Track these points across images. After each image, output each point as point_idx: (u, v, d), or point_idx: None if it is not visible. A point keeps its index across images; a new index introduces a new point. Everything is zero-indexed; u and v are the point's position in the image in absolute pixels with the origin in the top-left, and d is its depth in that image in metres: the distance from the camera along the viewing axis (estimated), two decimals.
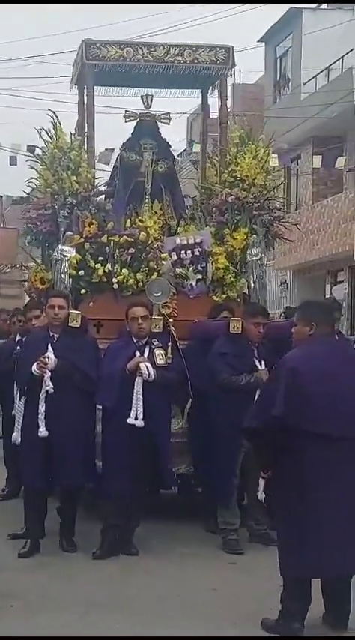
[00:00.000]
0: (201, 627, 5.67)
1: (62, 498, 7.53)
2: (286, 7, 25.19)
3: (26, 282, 10.11)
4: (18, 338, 9.11)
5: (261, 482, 6.65)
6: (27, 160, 8.89)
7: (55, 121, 8.63)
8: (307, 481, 5.42)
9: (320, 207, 23.65)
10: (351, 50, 22.95)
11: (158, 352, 7.40)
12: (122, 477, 7.25)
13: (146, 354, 7.37)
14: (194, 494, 8.69)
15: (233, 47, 8.74)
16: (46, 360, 7.19)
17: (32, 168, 8.88)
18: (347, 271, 23.03)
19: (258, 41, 27.40)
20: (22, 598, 6.15)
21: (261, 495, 6.91)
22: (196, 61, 8.68)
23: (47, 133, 8.60)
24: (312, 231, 22.96)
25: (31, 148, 21.85)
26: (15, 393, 8.69)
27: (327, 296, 23.12)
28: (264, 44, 27.65)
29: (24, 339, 8.82)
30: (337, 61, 23.80)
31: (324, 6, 25.23)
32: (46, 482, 7.32)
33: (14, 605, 5.96)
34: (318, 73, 24.47)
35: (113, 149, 9.70)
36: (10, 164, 25.79)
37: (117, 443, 7.29)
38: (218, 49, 8.71)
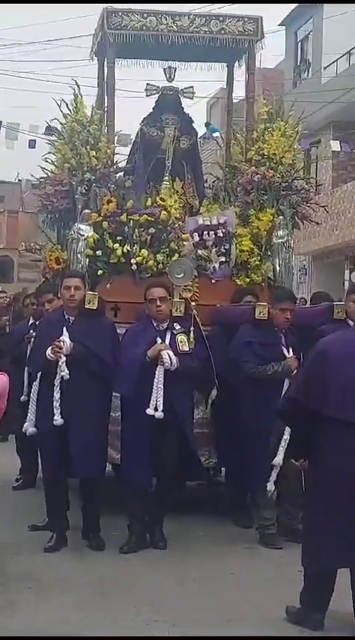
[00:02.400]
0: (217, 611, 5.55)
1: (81, 491, 7.02)
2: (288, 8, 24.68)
3: (41, 263, 9.56)
4: (31, 321, 8.65)
5: (274, 473, 6.54)
6: (44, 133, 8.30)
7: (77, 91, 8.06)
8: (332, 470, 5.05)
9: (340, 193, 23.10)
10: None
11: (180, 338, 6.88)
12: (142, 469, 6.82)
13: (168, 340, 6.87)
14: (214, 486, 8.25)
15: (261, 18, 8.14)
16: (61, 344, 6.68)
17: (49, 143, 8.31)
18: None
19: (279, 25, 26.80)
20: (39, 580, 6.01)
21: (271, 486, 6.53)
22: (223, 32, 8.09)
23: (67, 105, 8.02)
24: (332, 216, 22.38)
25: (49, 129, 21.48)
26: (25, 378, 8.26)
27: (346, 281, 22.69)
28: (284, 28, 27.03)
29: (37, 323, 8.37)
30: None
31: None
32: (65, 472, 6.83)
33: (32, 587, 5.84)
34: (339, 58, 23.94)
35: (129, 135, 9.10)
36: (29, 147, 25.33)
37: (138, 434, 6.82)
38: (246, 19, 8.12)
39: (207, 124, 24.33)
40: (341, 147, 22.53)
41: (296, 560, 5.41)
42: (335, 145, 22.04)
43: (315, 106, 22.68)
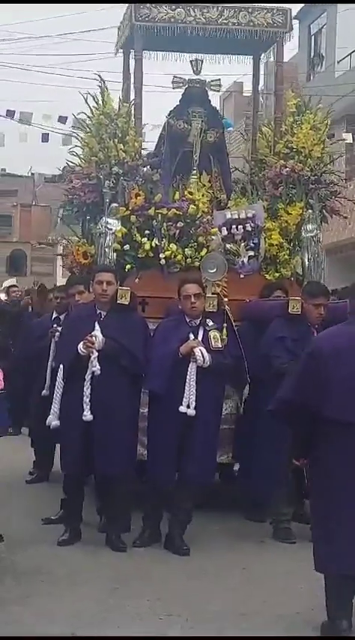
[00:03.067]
0: (231, 605, 5.48)
1: (100, 489, 6.90)
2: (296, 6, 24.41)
3: (62, 257, 9.43)
4: (54, 315, 8.54)
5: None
6: (72, 126, 8.16)
7: (103, 85, 7.91)
8: (334, 471, 4.86)
9: (353, 186, 22.87)
10: None
11: (213, 335, 6.74)
12: (167, 466, 6.68)
13: (200, 337, 6.72)
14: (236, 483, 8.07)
15: (290, 9, 8.00)
16: (94, 338, 6.54)
17: (73, 133, 8.16)
18: None
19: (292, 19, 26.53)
20: (51, 573, 5.94)
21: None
22: (252, 24, 7.93)
23: (94, 99, 7.88)
24: (344, 210, 22.18)
25: (61, 119, 21.32)
26: (47, 372, 8.14)
27: None
28: (298, 22, 26.81)
29: (61, 317, 8.26)
30: None
31: None
32: (87, 468, 6.71)
33: (44, 581, 5.78)
34: (353, 51, 23.71)
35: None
36: (42, 141, 25.19)
37: (166, 431, 6.68)
38: (275, 10, 7.97)
39: (220, 119, 24.16)
40: (354, 139, 22.31)
41: (308, 555, 5.28)
42: (349, 138, 21.82)
43: (329, 99, 22.55)
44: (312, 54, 26.55)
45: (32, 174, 37.64)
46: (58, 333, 8.01)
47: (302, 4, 25.79)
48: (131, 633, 4.97)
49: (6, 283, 15.45)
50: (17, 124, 22.78)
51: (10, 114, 21.41)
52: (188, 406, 6.60)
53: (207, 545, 6.71)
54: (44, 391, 8.10)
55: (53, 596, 5.48)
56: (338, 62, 24.25)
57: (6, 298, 13.80)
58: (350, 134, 22.90)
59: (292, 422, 5.12)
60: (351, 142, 22.29)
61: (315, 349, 4.94)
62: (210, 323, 6.80)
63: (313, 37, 26.51)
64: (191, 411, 6.60)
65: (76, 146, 8.09)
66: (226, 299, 7.11)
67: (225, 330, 6.82)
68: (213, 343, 6.73)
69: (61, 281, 28.95)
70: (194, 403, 6.60)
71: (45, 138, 25.54)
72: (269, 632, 5.06)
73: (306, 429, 4.96)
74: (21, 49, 47.39)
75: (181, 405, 6.59)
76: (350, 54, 23.82)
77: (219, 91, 8.53)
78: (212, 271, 7.13)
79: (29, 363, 9.09)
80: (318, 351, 4.91)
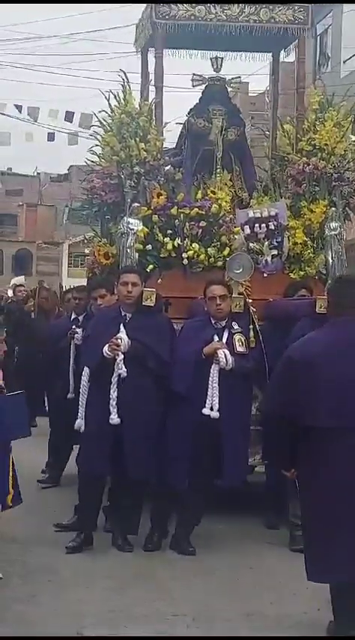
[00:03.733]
0: (237, 605, 5.46)
1: (123, 491, 6.75)
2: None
3: (86, 257, 9.30)
4: (73, 316, 8.41)
5: None
6: (91, 126, 8.02)
7: (125, 83, 7.77)
8: (317, 478, 4.72)
9: None
10: None
11: (238, 338, 6.66)
12: (180, 469, 6.56)
13: (225, 339, 6.62)
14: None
15: (311, 6, 7.86)
16: (119, 341, 6.43)
17: (93, 133, 8.03)
18: None
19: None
20: (58, 573, 5.92)
21: None
22: (273, 21, 7.80)
23: (115, 97, 7.75)
24: None
25: (69, 115, 21.20)
26: (70, 374, 8.02)
27: None
28: None
29: (80, 318, 8.14)
30: None
31: None
32: (109, 470, 6.59)
33: (51, 580, 5.77)
34: None
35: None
36: (48, 140, 25.08)
37: (184, 433, 6.56)
38: (296, 7, 7.82)
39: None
40: None
41: None
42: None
43: (335, 99, 22.41)
44: (318, 54, 26.38)
45: (38, 173, 37.56)
46: (77, 335, 7.90)
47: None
48: (137, 633, 4.95)
49: (15, 281, 15.42)
50: (23, 123, 22.68)
51: (18, 108, 21.30)
52: (211, 408, 6.50)
53: (212, 545, 6.65)
54: (69, 394, 7.97)
55: (59, 596, 5.46)
56: (344, 62, 24.09)
57: (12, 296, 13.79)
58: None
59: (274, 434, 5.02)
60: None
61: (287, 359, 4.81)
62: (236, 326, 6.70)
63: (319, 38, 26.33)
64: (214, 414, 6.51)
65: (96, 145, 7.94)
66: (250, 300, 6.97)
67: (252, 332, 6.70)
68: (237, 347, 6.63)
69: (66, 280, 28.88)
70: (217, 405, 6.49)
71: (51, 137, 25.43)
72: (275, 632, 5.04)
73: (288, 440, 4.82)
74: (23, 50, 47.34)
75: (204, 407, 6.49)
76: None
77: (239, 89, 8.38)
78: (238, 271, 7.01)
79: (48, 364, 9.00)
80: (290, 360, 4.77)
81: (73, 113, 20.77)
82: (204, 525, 6.74)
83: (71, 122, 20.59)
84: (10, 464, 5.86)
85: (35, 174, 39.30)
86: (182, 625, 5.14)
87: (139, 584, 5.78)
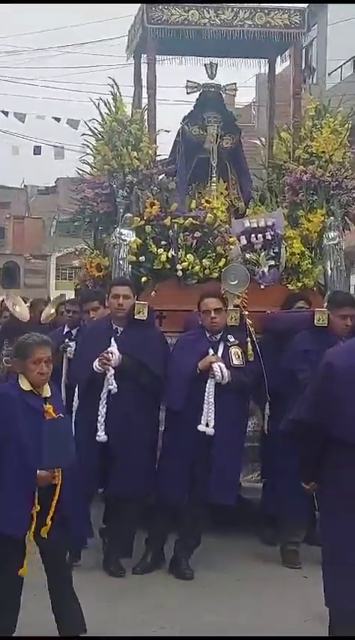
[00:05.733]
0: (224, 616, 5.47)
1: (115, 511, 6.46)
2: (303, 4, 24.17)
3: (75, 270, 9.01)
4: (66, 330, 8.09)
5: None
6: (82, 135, 7.73)
7: (115, 91, 7.48)
8: (345, 495, 4.37)
9: None
10: None
11: (234, 351, 6.37)
12: (180, 486, 6.29)
13: (220, 353, 6.35)
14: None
15: (307, 9, 7.61)
16: (110, 355, 6.15)
17: (84, 142, 7.73)
18: None
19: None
20: (44, 587, 5.47)
21: None
22: (268, 25, 7.52)
23: (106, 104, 7.45)
24: None
25: (57, 119, 20.92)
26: (62, 389, 7.71)
27: (352, 286, 22.10)
28: None
29: (73, 331, 7.83)
30: None
31: None
32: (98, 487, 6.40)
33: (37, 595, 5.34)
34: (344, 63, 23.59)
35: None
36: (34, 153, 24.90)
37: (181, 449, 6.32)
38: (292, 11, 7.56)
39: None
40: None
41: (304, 567, 5.54)
42: None
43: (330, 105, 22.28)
44: (303, 66, 26.22)
45: (25, 186, 37.30)
46: (69, 348, 7.60)
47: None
48: None
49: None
50: (9, 137, 22.44)
51: (4, 114, 21.05)
52: (207, 425, 6.24)
53: (200, 558, 6.46)
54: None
55: (47, 609, 5.17)
56: (329, 74, 23.98)
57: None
58: None
59: (303, 443, 4.65)
60: None
61: (328, 366, 4.47)
62: (232, 339, 6.43)
63: (304, 50, 26.20)
64: (210, 430, 6.25)
65: (88, 154, 7.64)
66: (246, 312, 6.68)
67: (249, 346, 6.40)
68: (234, 360, 6.37)
69: (54, 293, 28.64)
70: (213, 422, 6.23)
71: (37, 151, 25.22)
72: None
73: (317, 451, 4.50)
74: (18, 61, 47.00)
75: (200, 423, 6.24)
76: (341, 66, 23.58)
77: (235, 95, 8.10)
78: (233, 283, 6.72)
79: None
80: (331, 368, 4.43)
81: (59, 119, 20.50)
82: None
83: (58, 122, 20.33)
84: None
85: (22, 186, 39.02)
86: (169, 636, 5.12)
87: (128, 598, 5.69)
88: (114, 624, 5.22)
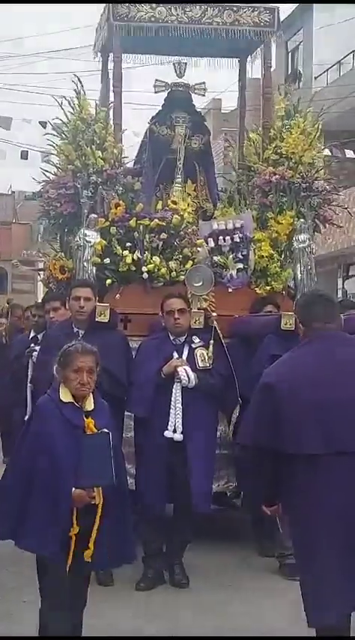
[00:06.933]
0: (211, 622, 5.41)
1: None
2: (288, 7, 24.04)
3: (38, 273, 8.75)
4: (32, 334, 7.85)
5: None
6: (44, 134, 7.47)
7: (79, 88, 7.22)
8: (308, 509, 4.15)
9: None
10: None
11: (200, 353, 6.10)
12: (158, 493, 6.04)
13: (185, 355, 6.09)
14: (230, 511, 7.50)
15: (278, 8, 7.36)
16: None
17: (49, 141, 7.47)
18: None
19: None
20: (34, 593, 5.28)
21: None
22: (237, 23, 7.28)
23: (69, 103, 7.19)
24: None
25: (42, 123, 20.63)
26: (28, 396, 7.47)
27: (339, 290, 22.02)
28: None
29: (40, 336, 7.57)
30: (348, 55, 22.66)
31: None
32: None
33: (27, 600, 5.35)
34: (329, 68, 23.35)
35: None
36: (21, 157, 24.59)
37: (154, 457, 6.06)
38: (262, 9, 7.32)
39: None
40: (332, 152, 21.90)
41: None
42: (326, 151, 21.38)
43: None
44: (289, 70, 26.08)
45: (12, 192, 37.00)
46: (35, 353, 7.35)
47: (282, 18, 25.37)
48: None
49: None
50: None
51: None
52: (174, 430, 5.98)
53: (191, 564, 6.28)
54: (26, 416, 7.38)
55: (36, 616, 4.89)
56: (315, 79, 23.79)
57: None
58: (328, 150, 22.47)
59: (257, 464, 4.42)
60: (329, 153, 21.84)
61: (268, 382, 4.24)
62: (197, 340, 6.16)
63: (290, 54, 26.06)
64: (178, 436, 5.99)
65: (52, 154, 7.38)
66: (215, 314, 6.41)
67: (211, 347, 6.14)
68: (199, 362, 6.11)
69: (42, 298, 28.31)
70: (181, 427, 5.97)
71: (24, 155, 24.93)
72: None
73: (272, 469, 4.26)
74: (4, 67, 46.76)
75: (167, 429, 5.98)
76: (327, 70, 23.40)
77: (204, 95, 7.86)
78: (198, 285, 6.44)
79: (7, 385, 8.45)
80: (270, 389, 4.20)
81: (46, 123, 20.22)
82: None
83: (44, 127, 20.04)
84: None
85: (9, 192, 38.73)
86: None
87: (117, 603, 5.59)
88: (102, 629, 5.06)
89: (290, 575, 6.13)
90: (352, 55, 22.73)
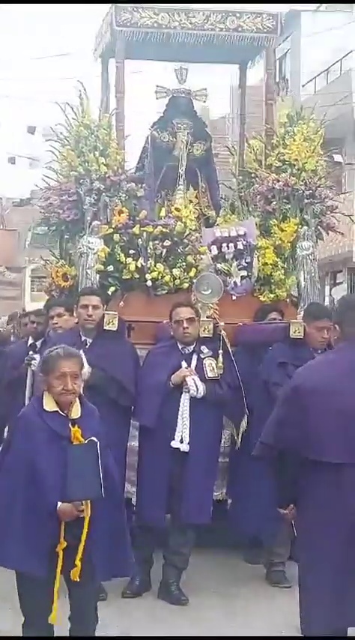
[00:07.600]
0: (198, 627, 5.45)
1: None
2: (285, 8, 23.97)
3: (32, 280, 8.63)
4: (30, 341, 7.70)
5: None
6: (47, 140, 7.36)
7: (82, 94, 7.13)
8: (327, 517, 4.09)
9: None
10: (350, 52, 21.83)
11: (208, 362, 6.02)
12: (158, 504, 5.94)
13: (194, 365, 5.99)
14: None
15: (280, 14, 7.32)
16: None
17: (50, 148, 7.36)
18: (347, 272, 21.76)
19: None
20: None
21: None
22: (240, 29, 7.21)
23: (72, 109, 7.10)
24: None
25: (30, 129, 20.56)
26: (26, 404, 7.33)
27: (326, 297, 22.00)
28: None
29: (38, 343, 7.44)
30: (336, 62, 22.68)
31: (323, 7, 23.98)
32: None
33: (12, 608, 5.02)
34: (317, 75, 23.32)
35: None
36: (9, 162, 24.50)
37: (157, 467, 5.96)
38: (264, 15, 7.27)
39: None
40: (333, 159, 21.96)
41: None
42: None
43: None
44: (277, 78, 26.06)
45: (0, 197, 36.78)
46: (34, 361, 7.22)
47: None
48: None
49: None
50: None
51: None
52: (181, 441, 5.90)
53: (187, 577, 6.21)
54: None
55: (20, 623, 4.83)
56: (302, 86, 23.78)
57: None
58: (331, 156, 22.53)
59: (277, 467, 4.37)
60: None
61: (297, 385, 4.19)
62: (205, 350, 6.07)
63: (278, 62, 26.03)
64: (184, 447, 5.91)
65: (54, 160, 7.27)
66: (222, 323, 6.33)
67: (220, 358, 6.05)
68: (208, 372, 6.02)
69: (29, 305, 28.14)
70: (187, 438, 5.89)
71: (12, 160, 24.83)
72: None
73: (292, 473, 4.22)
74: None
75: (173, 439, 5.90)
76: (315, 78, 23.40)
77: (205, 101, 7.79)
78: (206, 293, 6.35)
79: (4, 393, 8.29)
80: (296, 391, 4.16)
81: (34, 127, 20.15)
82: None
83: (33, 134, 19.97)
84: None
85: None
86: None
87: (106, 612, 5.31)
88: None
89: (277, 582, 6.16)
90: (339, 63, 22.76)
